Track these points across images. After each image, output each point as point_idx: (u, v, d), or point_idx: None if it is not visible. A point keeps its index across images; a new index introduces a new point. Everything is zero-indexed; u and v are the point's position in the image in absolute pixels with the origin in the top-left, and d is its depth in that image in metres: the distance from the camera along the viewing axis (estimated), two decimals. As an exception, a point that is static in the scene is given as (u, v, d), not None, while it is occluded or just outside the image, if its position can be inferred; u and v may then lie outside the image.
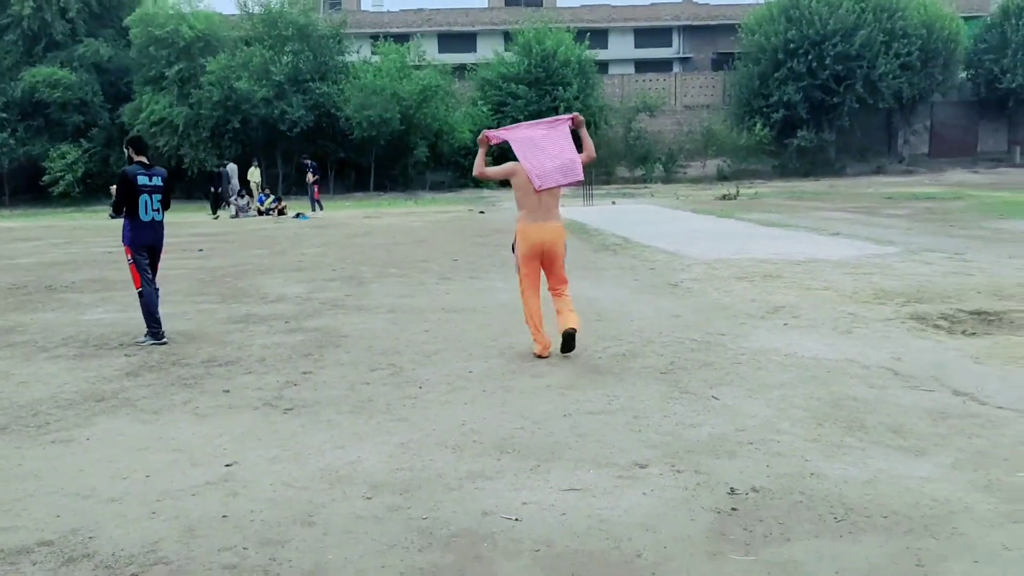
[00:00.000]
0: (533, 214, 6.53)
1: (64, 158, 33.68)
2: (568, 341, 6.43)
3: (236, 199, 25.34)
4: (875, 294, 8.64)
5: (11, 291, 11.10)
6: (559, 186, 6.47)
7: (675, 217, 19.75)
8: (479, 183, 36.69)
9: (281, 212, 25.09)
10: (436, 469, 4.30)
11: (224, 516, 3.80)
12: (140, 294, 7.67)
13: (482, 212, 23.33)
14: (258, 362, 6.77)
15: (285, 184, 34.86)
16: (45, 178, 33.93)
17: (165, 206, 7.75)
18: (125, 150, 7.97)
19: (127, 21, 34.61)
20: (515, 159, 6.56)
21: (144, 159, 7.68)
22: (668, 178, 37.99)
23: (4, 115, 34.36)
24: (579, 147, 6.61)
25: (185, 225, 22.57)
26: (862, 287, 9.09)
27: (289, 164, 34.88)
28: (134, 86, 35.28)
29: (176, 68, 33.73)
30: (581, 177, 6.56)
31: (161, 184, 7.67)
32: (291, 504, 3.91)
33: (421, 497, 3.94)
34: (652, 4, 51.88)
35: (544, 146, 6.43)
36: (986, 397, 5.14)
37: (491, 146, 6.73)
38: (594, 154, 6.69)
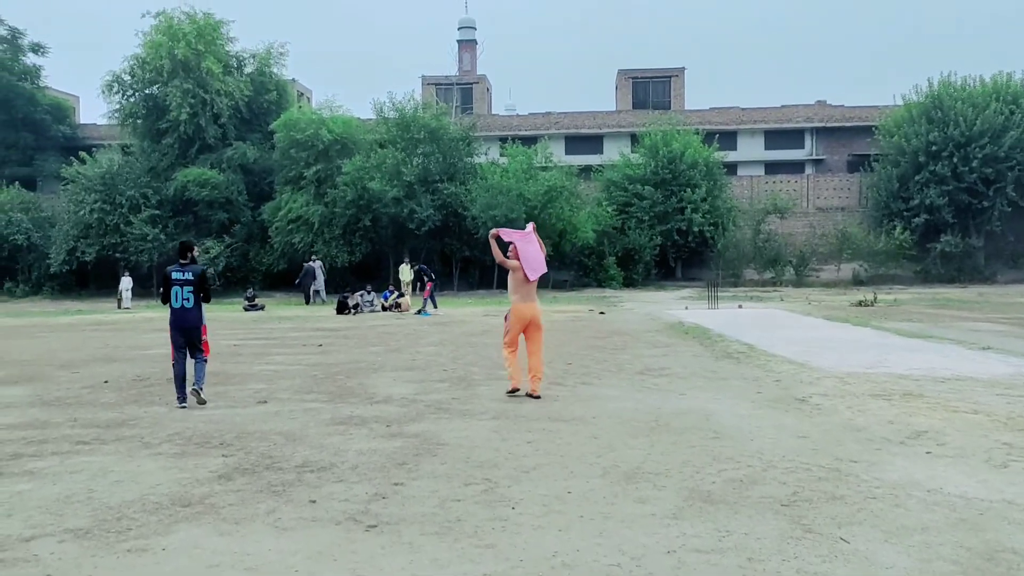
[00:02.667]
0: (524, 298, 9.65)
1: (208, 252, 35.63)
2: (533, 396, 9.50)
3: (360, 295, 25.91)
4: (1035, 421, 7.65)
5: (134, 382, 11.42)
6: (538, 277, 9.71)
7: (805, 324, 18.75)
8: (601, 282, 36.58)
9: (400, 308, 25.44)
10: (517, 611, 3.82)
11: (279, 653, 3.44)
12: (173, 364, 9.46)
13: (602, 313, 22.90)
14: (351, 469, 6.51)
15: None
16: (189, 271, 35.88)
17: (203, 298, 9.41)
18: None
19: (273, 126, 36.87)
20: (505, 249, 9.91)
21: (183, 260, 9.40)
22: (799, 282, 36.61)
23: (158, 212, 36.88)
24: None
25: (311, 319, 23.20)
26: (1019, 412, 8.09)
27: (416, 261, 35.71)
28: (275, 185, 37.30)
29: (314, 169, 35.49)
30: (545, 270, 9.92)
31: (193, 279, 9.30)
32: (352, 644, 3.52)
33: (495, 646, 3.48)
34: (783, 106, 51.31)
35: (531, 250, 9.67)
36: None
37: (499, 240, 9.82)
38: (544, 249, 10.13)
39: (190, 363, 9.48)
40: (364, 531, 5.00)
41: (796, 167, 49.92)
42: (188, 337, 9.37)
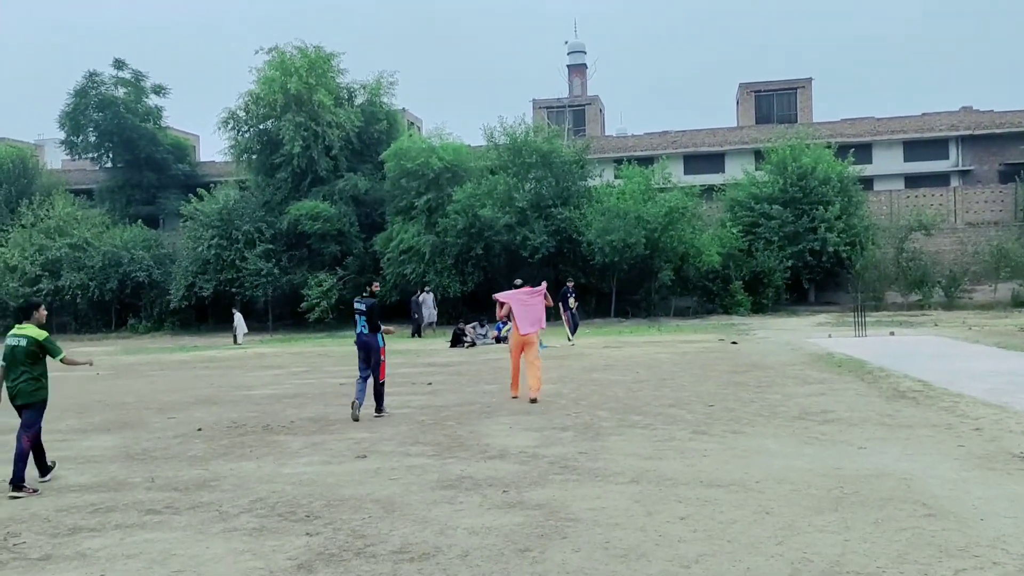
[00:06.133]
0: (520, 330, 12.18)
1: (321, 286, 35.26)
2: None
3: (473, 327, 24.76)
4: None
5: (229, 430, 10.42)
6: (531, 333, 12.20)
7: (977, 353, 16.32)
8: (728, 308, 34.33)
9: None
10: None
11: None
12: (356, 380, 11.27)
13: (734, 343, 20.91)
14: (460, 558, 5.12)
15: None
16: (303, 304, 35.61)
17: (371, 326, 11.01)
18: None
19: (383, 155, 36.38)
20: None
21: (365, 293, 11.34)
22: (950, 304, 33.31)
23: (271, 246, 36.82)
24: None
25: (423, 353, 22.12)
26: None
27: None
28: (386, 216, 36.76)
29: (425, 198, 34.70)
30: (544, 327, 12.60)
31: (364, 309, 11.05)
32: None
33: None
34: (924, 114, 47.48)
35: (527, 309, 12.22)
36: None
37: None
38: (551, 302, 12.93)
39: (371, 385, 11.10)
40: (475, 672, 3.57)
41: (940, 179, 46.10)
42: (367, 358, 11.05)
